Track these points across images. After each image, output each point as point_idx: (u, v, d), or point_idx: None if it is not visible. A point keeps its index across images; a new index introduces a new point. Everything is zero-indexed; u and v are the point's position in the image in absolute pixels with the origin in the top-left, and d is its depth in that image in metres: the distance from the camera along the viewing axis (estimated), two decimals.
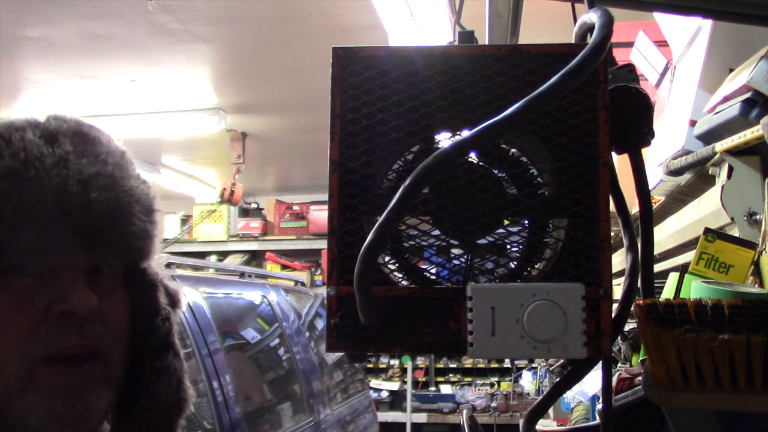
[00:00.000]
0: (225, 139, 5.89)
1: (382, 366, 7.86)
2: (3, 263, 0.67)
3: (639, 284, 0.73)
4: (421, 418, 7.19)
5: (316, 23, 3.72)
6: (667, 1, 1.00)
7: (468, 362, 7.71)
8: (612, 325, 0.63)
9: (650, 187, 0.88)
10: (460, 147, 0.56)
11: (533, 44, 0.67)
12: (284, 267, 7.34)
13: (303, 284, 4.88)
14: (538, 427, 0.80)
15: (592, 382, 2.60)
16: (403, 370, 7.62)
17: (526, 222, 0.69)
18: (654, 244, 0.74)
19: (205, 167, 7.43)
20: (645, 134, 0.72)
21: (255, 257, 7.62)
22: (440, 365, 7.86)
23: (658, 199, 1.99)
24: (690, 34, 1.78)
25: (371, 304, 0.60)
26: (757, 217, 1.26)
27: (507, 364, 7.26)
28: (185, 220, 7.56)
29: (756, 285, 1.17)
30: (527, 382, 6.46)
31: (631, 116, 0.71)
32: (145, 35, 3.86)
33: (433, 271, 0.69)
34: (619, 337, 1.74)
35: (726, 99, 1.36)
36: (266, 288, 3.92)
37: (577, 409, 3.20)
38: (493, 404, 6.99)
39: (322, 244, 6.80)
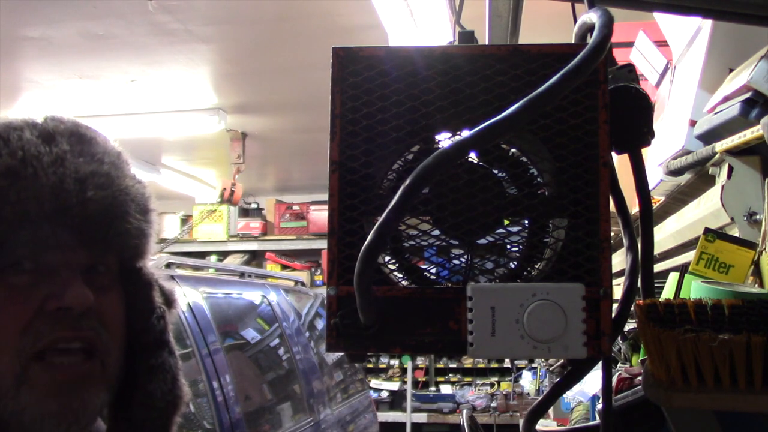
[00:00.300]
0: (225, 139, 5.89)
1: (382, 366, 7.85)
2: (0, 260, 0.68)
3: (639, 284, 0.73)
4: (421, 418, 7.19)
5: (316, 23, 3.72)
6: (667, 1, 1.00)
7: (468, 362, 7.70)
8: (612, 325, 0.63)
9: (650, 187, 0.88)
10: (460, 147, 0.56)
11: (533, 44, 0.67)
12: (284, 267, 7.34)
13: (303, 284, 4.88)
14: (538, 427, 0.80)
15: (592, 382, 2.60)
16: (403, 370, 7.61)
17: (526, 222, 0.69)
18: (654, 244, 0.74)
19: (205, 167, 7.43)
20: (645, 134, 0.72)
21: (255, 257, 7.62)
22: (440, 365, 7.85)
23: (658, 199, 1.99)
24: (690, 34, 1.78)
25: (371, 304, 0.60)
26: (757, 217, 1.26)
27: (507, 364, 7.26)
28: (185, 220, 7.56)
29: (756, 285, 1.16)
30: (527, 382, 6.46)
31: (631, 116, 0.71)
32: (145, 35, 3.86)
33: (433, 271, 0.69)
34: (619, 337, 1.74)
35: (726, 99, 1.36)
36: (266, 288, 3.92)
37: (577, 409, 3.20)
38: (493, 404, 6.99)
39: (322, 244, 6.80)
